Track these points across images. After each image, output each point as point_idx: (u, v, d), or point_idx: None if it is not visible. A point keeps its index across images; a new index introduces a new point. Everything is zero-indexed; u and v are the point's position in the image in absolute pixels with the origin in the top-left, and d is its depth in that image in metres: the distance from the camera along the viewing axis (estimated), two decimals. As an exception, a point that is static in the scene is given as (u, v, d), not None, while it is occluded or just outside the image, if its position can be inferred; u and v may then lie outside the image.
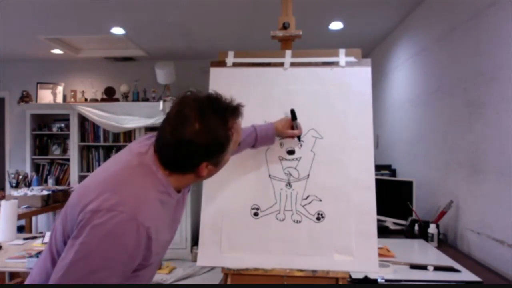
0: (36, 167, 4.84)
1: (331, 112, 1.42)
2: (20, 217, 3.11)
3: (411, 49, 3.09)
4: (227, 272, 1.34)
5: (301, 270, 1.31)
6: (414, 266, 1.72)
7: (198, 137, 0.91)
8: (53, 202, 3.67)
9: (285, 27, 1.56)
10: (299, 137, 1.41)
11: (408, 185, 2.58)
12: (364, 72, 1.45)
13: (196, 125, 0.91)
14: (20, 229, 3.74)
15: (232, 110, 0.99)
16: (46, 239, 2.30)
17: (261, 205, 1.38)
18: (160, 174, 0.95)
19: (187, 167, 0.97)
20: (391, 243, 2.05)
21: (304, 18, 3.20)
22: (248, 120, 1.45)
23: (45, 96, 4.84)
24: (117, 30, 3.68)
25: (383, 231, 2.52)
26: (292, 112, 1.38)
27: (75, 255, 0.81)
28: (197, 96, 0.97)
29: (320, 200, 1.36)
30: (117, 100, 4.75)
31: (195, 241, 4.53)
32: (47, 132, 4.82)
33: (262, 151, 1.42)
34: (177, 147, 0.92)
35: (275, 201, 1.38)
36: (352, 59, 1.47)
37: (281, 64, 1.49)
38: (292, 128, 1.40)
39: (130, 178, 0.91)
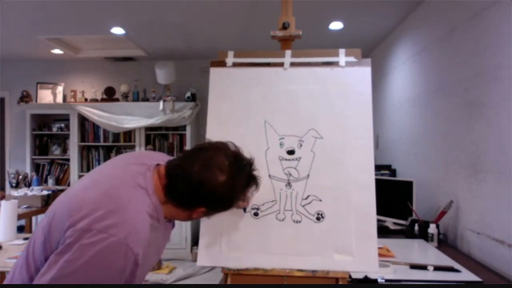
0: (36, 167, 4.84)
1: (331, 112, 1.42)
2: (20, 217, 3.11)
3: (411, 49, 3.09)
4: (227, 272, 1.34)
5: (301, 270, 1.31)
6: (414, 266, 1.72)
7: (218, 187, 0.95)
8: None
9: (285, 27, 1.56)
10: (244, 209, 1.36)
11: (408, 185, 2.57)
12: (364, 72, 1.45)
13: (223, 176, 0.95)
14: (20, 229, 3.74)
15: (255, 181, 1.06)
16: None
17: (261, 205, 1.38)
18: (155, 199, 0.94)
19: (188, 204, 0.99)
20: (391, 243, 2.05)
21: (304, 18, 3.20)
22: (248, 120, 1.46)
23: (45, 96, 4.84)
24: (117, 30, 3.68)
25: (383, 231, 2.51)
26: None
27: (58, 272, 0.79)
28: (237, 151, 1.02)
29: (320, 200, 1.36)
30: (117, 100, 4.75)
31: (195, 241, 4.53)
32: (47, 132, 4.83)
33: (262, 151, 1.42)
34: (195, 186, 0.94)
35: (275, 201, 1.38)
36: (352, 59, 1.46)
37: (281, 64, 1.49)
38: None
39: (125, 199, 0.89)
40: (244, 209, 1.36)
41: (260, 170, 1.40)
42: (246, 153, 1.07)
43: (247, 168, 1.02)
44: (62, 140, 4.90)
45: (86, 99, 4.81)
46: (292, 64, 1.48)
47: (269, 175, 1.40)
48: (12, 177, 4.00)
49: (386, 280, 1.55)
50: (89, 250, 0.79)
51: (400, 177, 3.18)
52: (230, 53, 1.53)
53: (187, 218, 1.04)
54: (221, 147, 1.01)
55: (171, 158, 1.10)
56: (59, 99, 4.84)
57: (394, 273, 1.63)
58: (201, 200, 0.97)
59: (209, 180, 0.94)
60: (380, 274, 1.55)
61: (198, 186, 0.94)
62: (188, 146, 4.61)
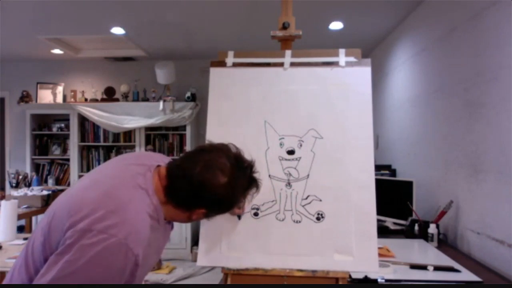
0: (36, 167, 4.84)
1: (331, 112, 1.42)
2: (20, 217, 3.11)
3: (411, 49, 3.09)
4: (227, 272, 1.34)
5: (301, 270, 1.31)
6: (414, 266, 1.72)
7: (219, 189, 0.95)
8: (53, 202, 3.66)
9: (285, 27, 1.56)
10: (239, 216, 1.36)
11: (408, 185, 2.57)
12: (364, 72, 1.45)
13: (224, 178, 0.95)
14: (20, 229, 3.74)
15: (256, 184, 1.05)
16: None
17: (261, 205, 1.38)
18: (156, 200, 0.94)
19: (188, 205, 0.98)
20: (391, 243, 2.05)
21: (304, 18, 3.20)
22: (248, 120, 1.46)
23: (45, 96, 4.84)
24: (117, 30, 3.68)
25: (383, 231, 2.51)
26: None
27: (58, 273, 0.79)
28: (238, 153, 1.02)
29: (320, 200, 1.36)
30: (117, 100, 4.75)
31: (195, 241, 4.53)
32: (47, 132, 4.83)
33: (262, 151, 1.42)
34: (196, 186, 0.94)
35: (275, 201, 1.38)
36: (352, 59, 1.46)
37: (281, 64, 1.49)
38: None
39: (125, 199, 0.89)
40: (239, 217, 1.36)
41: (260, 170, 1.40)
42: (247, 153, 1.07)
43: (248, 170, 1.02)
44: (62, 140, 4.90)
45: (86, 99, 4.81)
46: (292, 64, 1.48)
47: (269, 175, 1.40)
48: (12, 177, 4.00)
49: (386, 280, 1.55)
50: (89, 250, 0.79)
51: (400, 177, 3.18)
52: (230, 53, 1.53)
53: (187, 220, 1.03)
54: (222, 149, 1.01)
55: (171, 159, 1.10)
56: (59, 99, 4.84)
57: (394, 273, 1.63)
58: (201, 201, 0.97)
59: (210, 181, 0.94)
60: (380, 274, 1.55)
61: (199, 187, 0.94)
62: (188, 146, 4.61)
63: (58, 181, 4.80)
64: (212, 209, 1.01)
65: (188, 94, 4.54)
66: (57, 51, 4.45)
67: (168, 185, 0.96)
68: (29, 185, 4.03)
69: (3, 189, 4.53)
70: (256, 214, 1.38)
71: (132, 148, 4.72)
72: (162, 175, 0.98)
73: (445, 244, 2.23)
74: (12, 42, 4.10)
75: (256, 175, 1.06)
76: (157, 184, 0.97)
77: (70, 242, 0.81)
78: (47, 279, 0.79)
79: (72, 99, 4.86)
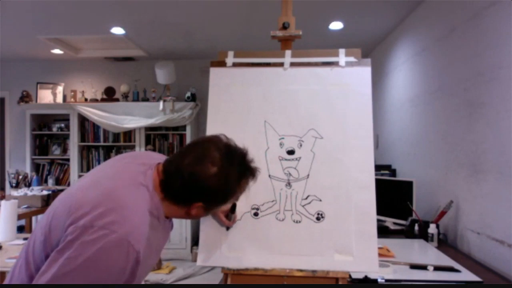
0: (36, 167, 4.84)
1: (331, 112, 1.42)
2: (20, 217, 3.11)
3: (411, 49, 3.09)
4: (227, 272, 1.34)
5: (301, 270, 1.31)
6: (414, 266, 1.72)
7: (210, 179, 0.94)
8: (53, 202, 3.66)
9: (285, 27, 1.56)
10: (227, 228, 1.37)
11: (408, 185, 2.57)
12: (364, 72, 1.45)
13: (214, 168, 0.94)
14: (20, 229, 3.74)
15: (251, 172, 1.03)
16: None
17: (261, 205, 1.38)
18: (156, 197, 0.95)
19: (183, 200, 0.98)
20: (391, 243, 2.05)
21: (304, 18, 3.20)
22: (248, 120, 1.46)
23: (45, 96, 4.84)
24: (117, 30, 3.68)
25: (383, 231, 2.52)
26: (233, 205, 1.32)
27: (59, 270, 0.78)
28: (228, 143, 1.01)
29: (320, 200, 1.36)
30: (117, 100, 4.75)
31: (195, 241, 4.53)
32: (47, 132, 4.83)
33: (261, 151, 1.42)
34: (186, 179, 0.94)
35: (275, 201, 1.38)
36: (352, 59, 1.47)
37: (281, 64, 1.49)
38: (227, 217, 1.35)
39: (125, 198, 0.89)
40: (227, 228, 1.37)
41: (260, 170, 1.40)
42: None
43: (239, 158, 1.00)
44: (62, 140, 4.90)
45: (86, 99, 4.81)
46: (292, 64, 1.49)
47: (269, 175, 1.40)
48: (12, 177, 4.00)
49: (386, 280, 1.55)
50: (91, 247, 0.79)
51: (400, 177, 3.18)
52: (230, 53, 1.53)
53: (186, 215, 1.03)
54: (212, 140, 1.00)
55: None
56: (59, 99, 4.84)
57: (394, 273, 1.63)
58: (195, 195, 0.97)
59: (200, 172, 0.94)
60: (380, 274, 1.55)
61: (190, 180, 0.94)
62: (188, 146, 4.61)
63: (58, 181, 4.80)
64: (208, 201, 1.00)
65: (188, 94, 4.54)
66: (57, 51, 4.45)
67: (163, 181, 0.97)
68: (29, 185, 4.03)
69: (3, 189, 4.53)
70: (256, 214, 1.38)
71: (132, 148, 4.72)
72: (160, 172, 0.99)
73: (445, 244, 2.23)
74: (12, 42, 4.10)
75: (251, 164, 1.03)
76: (155, 181, 0.97)
77: (71, 238, 0.80)
78: (47, 277, 0.79)
79: (72, 99, 4.86)
